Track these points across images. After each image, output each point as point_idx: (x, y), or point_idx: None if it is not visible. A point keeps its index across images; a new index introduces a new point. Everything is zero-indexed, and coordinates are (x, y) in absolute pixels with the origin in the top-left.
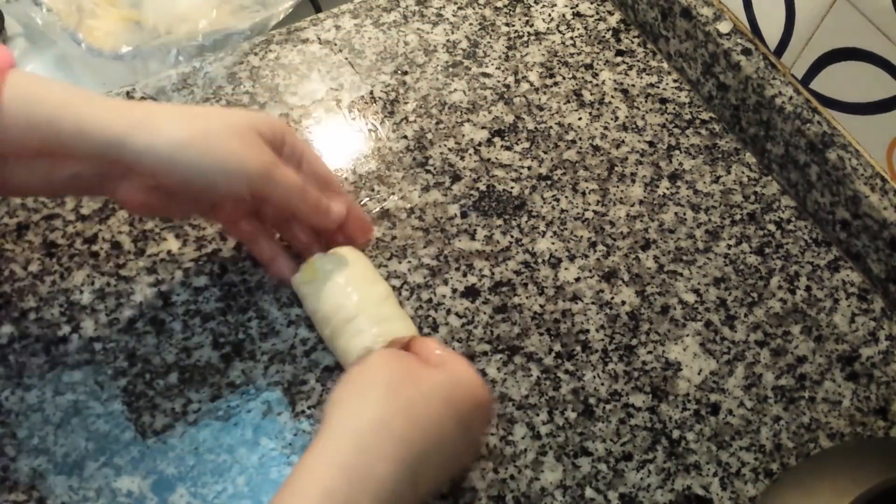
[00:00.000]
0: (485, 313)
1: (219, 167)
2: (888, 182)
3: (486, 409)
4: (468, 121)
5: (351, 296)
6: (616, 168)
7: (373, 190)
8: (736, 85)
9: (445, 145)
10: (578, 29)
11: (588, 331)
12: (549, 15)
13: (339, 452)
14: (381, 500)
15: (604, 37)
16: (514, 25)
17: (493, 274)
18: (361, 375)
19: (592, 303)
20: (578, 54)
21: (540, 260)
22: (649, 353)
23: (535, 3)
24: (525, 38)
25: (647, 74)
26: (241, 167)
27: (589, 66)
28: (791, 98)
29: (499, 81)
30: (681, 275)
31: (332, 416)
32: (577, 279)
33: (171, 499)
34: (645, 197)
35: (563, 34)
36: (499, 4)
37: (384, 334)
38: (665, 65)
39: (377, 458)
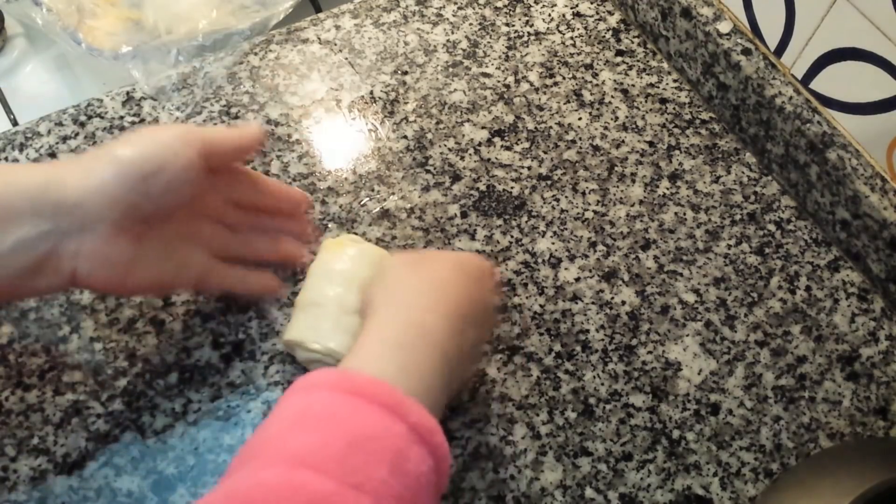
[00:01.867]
0: None
1: (157, 142)
2: (888, 182)
3: (490, 274)
4: (468, 121)
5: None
6: (616, 168)
7: (373, 190)
8: (736, 85)
9: (445, 145)
10: (578, 29)
11: (588, 331)
12: (549, 15)
13: (390, 314)
14: (435, 343)
15: (604, 37)
16: (514, 25)
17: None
18: (384, 272)
19: (592, 303)
20: (578, 54)
21: (540, 260)
22: (649, 353)
23: (535, 3)
24: (525, 38)
25: (647, 74)
26: (172, 130)
27: (589, 66)
28: (791, 98)
29: (499, 81)
30: (681, 275)
31: (371, 303)
32: (577, 279)
33: (172, 499)
34: (645, 197)
35: (563, 34)
36: (499, 4)
37: (337, 351)
38: (665, 65)
39: (424, 313)
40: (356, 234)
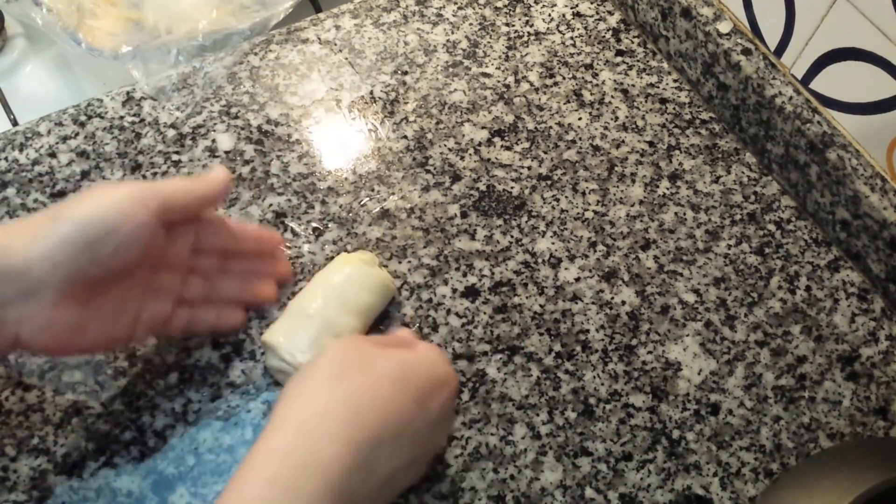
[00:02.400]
0: (485, 313)
1: (104, 205)
2: (888, 182)
3: (446, 387)
4: (468, 121)
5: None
6: (616, 168)
7: (373, 190)
8: (736, 85)
9: (445, 145)
10: (578, 29)
11: (588, 331)
12: (549, 15)
13: (281, 440)
14: (329, 483)
15: (604, 37)
16: (514, 25)
17: (493, 274)
18: (308, 369)
19: (592, 303)
20: (578, 54)
21: (540, 260)
22: (649, 353)
23: (535, 3)
24: (525, 38)
25: (647, 74)
26: (122, 190)
27: (589, 66)
28: (791, 98)
29: (499, 81)
30: (681, 275)
31: (276, 410)
32: (577, 279)
33: (171, 499)
34: (645, 197)
35: (563, 34)
36: (499, 4)
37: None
38: (665, 65)
39: (322, 443)
40: (356, 233)
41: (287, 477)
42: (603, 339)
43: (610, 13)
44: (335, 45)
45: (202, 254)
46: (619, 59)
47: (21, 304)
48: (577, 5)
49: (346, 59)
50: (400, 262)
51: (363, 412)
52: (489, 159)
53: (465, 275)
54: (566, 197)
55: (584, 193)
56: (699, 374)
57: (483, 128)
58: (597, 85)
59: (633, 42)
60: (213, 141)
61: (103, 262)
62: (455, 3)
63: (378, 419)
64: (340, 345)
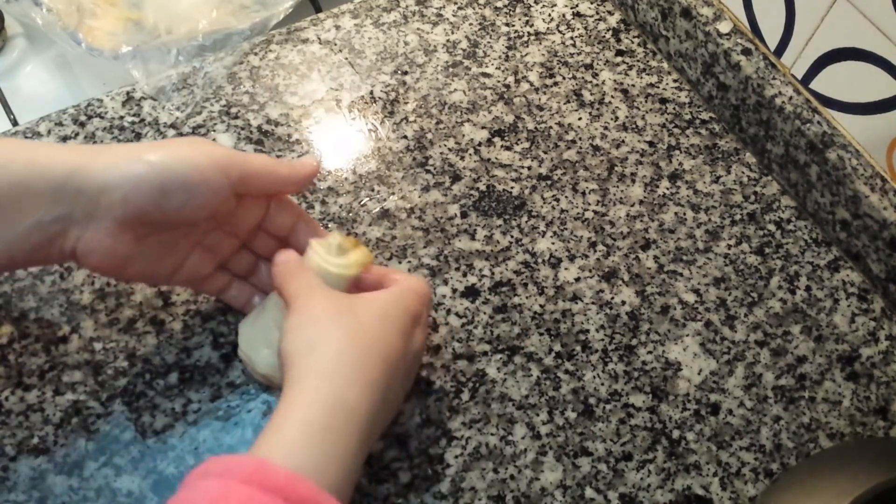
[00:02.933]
0: (485, 313)
1: (187, 160)
2: (888, 182)
3: (420, 322)
4: (468, 121)
5: None
6: (616, 168)
7: (373, 190)
8: (736, 85)
9: (445, 145)
10: (578, 29)
11: (588, 331)
12: (549, 15)
13: (308, 387)
14: (357, 422)
15: (604, 37)
16: (514, 25)
17: (493, 274)
18: (300, 319)
19: (592, 303)
20: (578, 54)
21: (540, 260)
22: (649, 353)
23: (535, 3)
24: (525, 38)
25: (647, 74)
26: (210, 152)
27: (589, 66)
28: (791, 98)
29: (499, 81)
30: (681, 275)
31: (291, 364)
32: (577, 279)
33: None
34: (645, 197)
35: (563, 34)
36: (499, 4)
37: (273, 377)
38: (665, 65)
39: (345, 386)
40: (356, 234)
41: (320, 420)
42: (603, 339)
43: (610, 13)
44: (335, 45)
45: (265, 233)
46: (619, 59)
47: (84, 225)
48: (577, 5)
49: (346, 59)
50: (400, 262)
51: (369, 353)
52: (489, 159)
53: (465, 275)
54: (566, 197)
55: (584, 193)
56: (699, 374)
57: (483, 128)
58: (597, 85)
59: (633, 42)
60: (213, 141)
61: (169, 211)
62: (455, 3)
63: (382, 357)
64: (317, 297)
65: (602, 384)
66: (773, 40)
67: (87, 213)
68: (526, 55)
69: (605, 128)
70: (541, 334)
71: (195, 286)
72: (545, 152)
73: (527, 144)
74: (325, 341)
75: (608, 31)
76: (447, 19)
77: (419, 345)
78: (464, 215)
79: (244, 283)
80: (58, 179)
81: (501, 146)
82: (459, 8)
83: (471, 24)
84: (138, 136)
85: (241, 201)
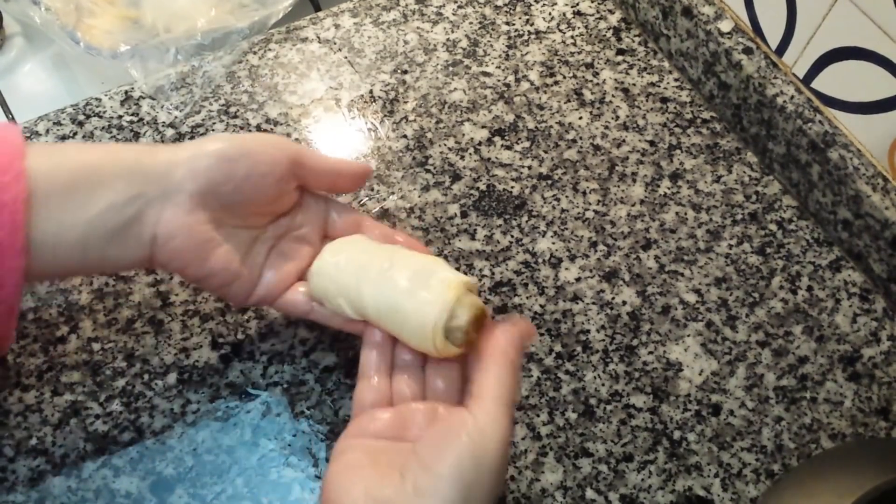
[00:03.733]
0: None
1: (244, 136)
2: (890, 182)
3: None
4: (468, 120)
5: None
6: (617, 167)
7: (372, 189)
8: (737, 84)
9: (445, 145)
10: (579, 28)
11: (589, 331)
12: (550, 14)
13: None
14: None
15: (604, 36)
16: (514, 24)
17: (493, 274)
18: (468, 473)
19: (593, 303)
20: (579, 53)
21: (540, 260)
22: (650, 353)
23: (536, 1)
24: (525, 37)
25: (648, 73)
26: (280, 138)
27: (589, 65)
28: (792, 97)
29: (499, 80)
30: (682, 275)
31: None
32: (578, 279)
33: (170, 500)
34: (646, 196)
35: (564, 33)
36: (499, 3)
37: (455, 280)
38: (666, 64)
39: None
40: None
41: None
42: (604, 340)
43: (611, 12)
44: (334, 43)
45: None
46: (619, 58)
47: (160, 205)
48: (577, 4)
49: (346, 58)
50: None
51: None
52: (489, 159)
53: (465, 275)
54: (567, 196)
55: (584, 193)
56: (700, 374)
57: (483, 127)
58: (597, 84)
59: (633, 41)
60: None
61: (237, 182)
62: (455, 2)
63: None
64: (499, 466)
65: (603, 385)
66: (774, 39)
67: (161, 192)
68: (526, 54)
69: (606, 127)
70: (541, 334)
71: (282, 301)
72: (545, 152)
73: (527, 144)
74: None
75: (609, 29)
76: (447, 18)
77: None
78: (464, 215)
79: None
80: (128, 162)
81: (502, 145)
82: (459, 7)
83: (471, 23)
84: (136, 136)
85: (303, 203)
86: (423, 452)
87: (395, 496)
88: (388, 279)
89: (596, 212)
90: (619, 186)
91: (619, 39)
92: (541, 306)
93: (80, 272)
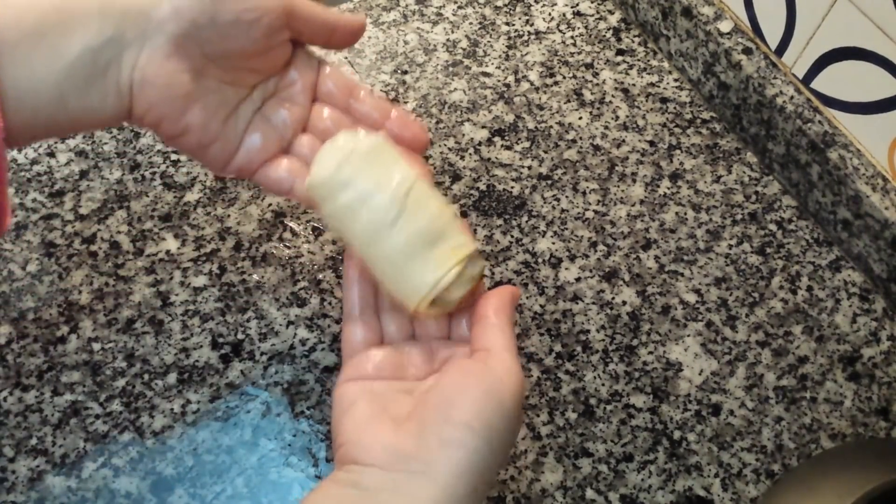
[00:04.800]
0: None
1: None
2: (889, 182)
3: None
4: (468, 120)
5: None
6: (617, 168)
7: None
8: (737, 84)
9: (445, 145)
10: (579, 28)
11: (589, 331)
12: (550, 14)
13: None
14: None
15: (604, 36)
16: (514, 25)
17: (493, 274)
18: (474, 415)
19: (593, 303)
20: (579, 53)
21: (540, 260)
22: (650, 353)
23: (536, 2)
24: (525, 38)
25: (648, 74)
26: None
27: (589, 66)
28: (792, 97)
29: (499, 81)
30: (682, 275)
31: (439, 454)
32: (578, 279)
33: (170, 500)
34: (646, 196)
35: (564, 33)
36: (499, 3)
37: (461, 251)
38: (666, 64)
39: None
40: None
41: None
42: (603, 340)
43: (610, 12)
44: None
45: (322, 107)
46: (619, 58)
47: (137, 47)
48: (577, 4)
49: (346, 58)
50: None
51: (495, 459)
52: (489, 159)
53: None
54: (567, 196)
55: (584, 193)
56: (700, 374)
57: (483, 127)
58: (597, 84)
59: (633, 41)
60: None
61: (222, 26)
62: (455, 2)
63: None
64: (516, 408)
65: (603, 385)
66: (774, 39)
67: (139, 32)
68: (526, 54)
69: (606, 127)
70: (541, 334)
71: (259, 172)
72: (545, 152)
73: (527, 144)
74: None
75: (609, 30)
76: (447, 18)
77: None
78: (464, 215)
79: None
80: None
81: (502, 146)
82: (459, 7)
83: (471, 24)
84: (137, 136)
85: (294, 61)
86: (441, 404)
87: (418, 450)
88: (393, 227)
89: (596, 212)
90: (618, 186)
91: (619, 40)
92: (541, 306)
93: (61, 129)
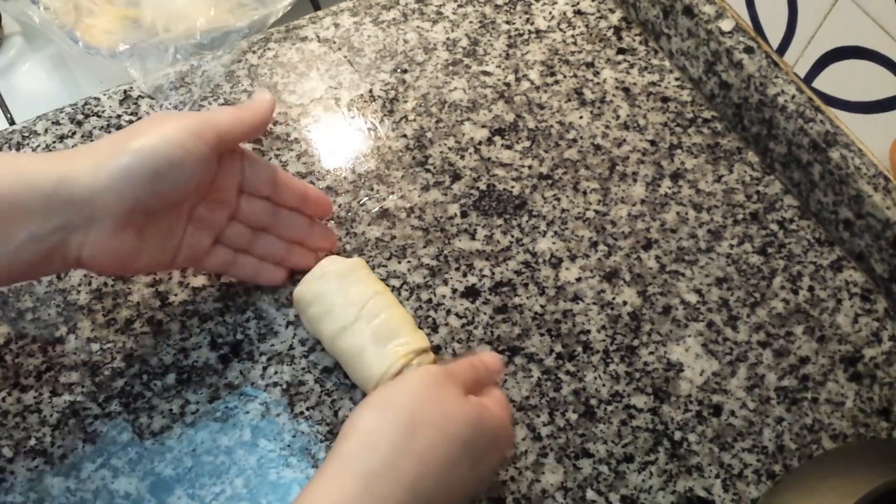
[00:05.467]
0: (485, 314)
1: (168, 138)
2: (891, 181)
3: (500, 453)
4: (468, 119)
5: (361, 301)
6: (617, 167)
7: (372, 189)
8: (738, 83)
9: (445, 144)
10: (579, 27)
11: (589, 331)
12: (550, 13)
13: (343, 490)
14: None
15: (605, 35)
16: (514, 23)
17: (493, 274)
18: (388, 402)
19: (594, 303)
20: (579, 52)
21: (540, 260)
22: (651, 353)
23: (536, 0)
24: (526, 36)
25: (649, 73)
26: (185, 124)
27: (590, 65)
28: (794, 97)
29: (499, 80)
30: (683, 275)
31: (346, 443)
32: (579, 279)
33: (169, 500)
34: (646, 196)
35: (564, 32)
36: (499, 2)
37: (406, 348)
38: (667, 63)
39: (381, 501)
40: (355, 233)
41: None
42: (604, 340)
43: (611, 11)
44: (334, 43)
45: (248, 199)
46: (620, 57)
47: (84, 231)
48: (577, 3)
49: (346, 57)
50: (399, 262)
51: (428, 473)
52: (489, 158)
53: (465, 275)
54: (567, 196)
55: (585, 193)
56: (701, 374)
57: (483, 126)
58: (598, 83)
59: (634, 40)
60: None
61: (163, 194)
62: (455, 1)
63: (438, 481)
64: (424, 380)
65: (603, 385)
66: (775, 38)
67: (86, 218)
68: (526, 53)
69: (607, 127)
70: (541, 335)
71: (199, 265)
72: (546, 151)
73: (527, 143)
74: (392, 445)
75: (609, 29)
76: (447, 17)
77: (485, 472)
78: (464, 215)
79: (247, 256)
80: (46, 190)
81: (502, 145)
82: (459, 6)
83: (471, 22)
84: None
85: (219, 163)
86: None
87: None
88: (352, 329)
89: (596, 212)
90: (619, 186)
91: (620, 38)
92: (541, 306)
93: (7, 284)
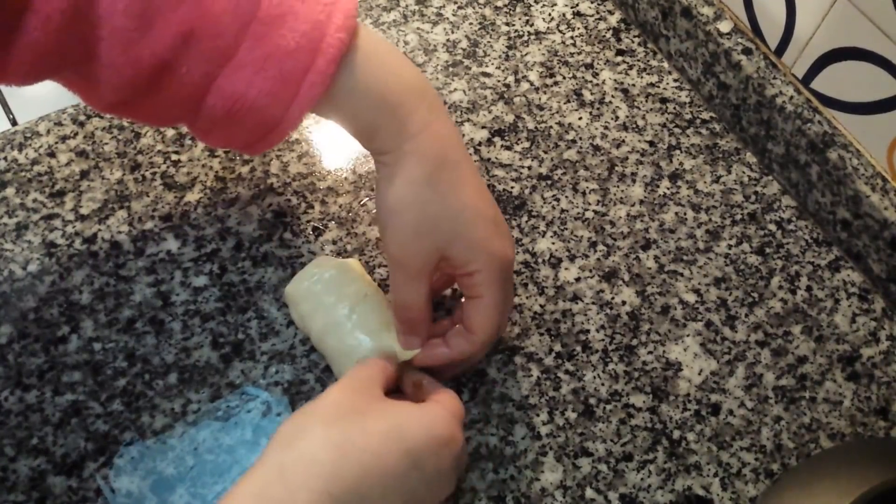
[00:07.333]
0: None
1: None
2: (889, 182)
3: (446, 448)
4: (468, 120)
5: (347, 302)
6: (616, 168)
7: (372, 189)
8: (736, 84)
9: None
10: (579, 28)
11: (588, 331)
12: (550, 14)
13: (259, 480)
14: None
15: (604, 36)
16: (514, 25)
17: None
18: (306, 409)
19: (593, 303)
20: (579, 54)
21: (540, 260)
22: (650, 353)
23: (536, 2)
24: (525, 38)
25: (648, 74)
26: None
27: (589, 66)
28: (792, 98)
29: (499, 81)
30: (681, 275)
31: (266, 449)
32: (578, 279)
33: (171, 499)
34: (645, 197)
35: (564, 34)
36: (499, 4)
37: (378, 348)
38: (665, 64)
39: (298, 489)
40: (356, 233)
41: None
42: (603, 340)
43: (610, 13)
44: None
45: None
46: (619, 58)
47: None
48: (577, 5)
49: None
50: None
51: (349, 463)
52: (489, 159)
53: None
54: (566, 197)
55: (584, 193)
56: (700, 374)
57: (483, 127)
58: (597, 84)
59: (633, 41)
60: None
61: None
62: (455, 3)
63: (363, 474)
64: (341, 388)
65: (602, 384)
66: (773, 40)
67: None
68: (526, 55)
69: (606, 127)
70: (541, 334)
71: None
72: (545, 152)
73: (527, 144)
74: (307, 439)
75: (608, 30)
76: (447, 19)
77: (431, 473)
78: None
79: None
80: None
81: (501, 146)
82: (459, 7)
83: (471, 24)
84: (137, 136)
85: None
86: None
87: None
88: (346, 325)
89: (595, 212)
90: (618, 187)
91: (619, 40)
92: (540, 306)
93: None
